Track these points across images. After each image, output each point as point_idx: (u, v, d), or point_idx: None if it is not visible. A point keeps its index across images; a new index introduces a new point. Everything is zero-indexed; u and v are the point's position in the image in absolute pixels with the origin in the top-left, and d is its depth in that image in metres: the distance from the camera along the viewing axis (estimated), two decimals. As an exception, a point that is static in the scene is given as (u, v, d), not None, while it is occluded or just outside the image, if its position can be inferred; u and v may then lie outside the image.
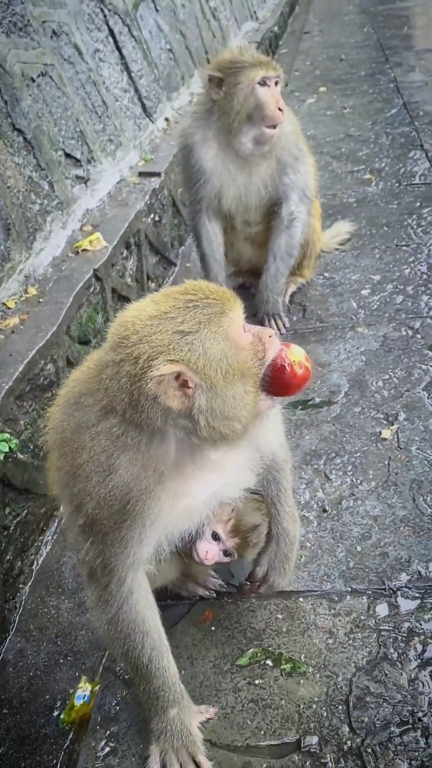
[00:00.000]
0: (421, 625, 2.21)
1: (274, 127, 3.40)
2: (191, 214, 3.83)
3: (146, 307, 1.68)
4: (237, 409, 1.66)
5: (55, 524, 3.36)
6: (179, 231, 5.91)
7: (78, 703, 2.53)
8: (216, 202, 3.64)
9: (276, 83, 3.40)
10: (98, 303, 4.23)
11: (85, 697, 2.53)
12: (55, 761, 2.43)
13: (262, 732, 2.01)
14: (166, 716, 1.97)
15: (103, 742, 2.07)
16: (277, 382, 1.75)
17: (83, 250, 4.36)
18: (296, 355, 1.77)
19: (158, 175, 5.58)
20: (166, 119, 6.70)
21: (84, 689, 2.56)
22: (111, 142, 5.46)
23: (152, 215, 5.35)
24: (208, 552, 2.17)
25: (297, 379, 1.77)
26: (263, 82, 3.35)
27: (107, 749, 2.04)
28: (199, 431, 1.65)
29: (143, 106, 6.31)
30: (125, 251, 4.76)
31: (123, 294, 4.46)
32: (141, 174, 5.62)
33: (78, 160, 4.85)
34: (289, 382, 1.76)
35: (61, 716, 2.56)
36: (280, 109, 3.36)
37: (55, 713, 2.59)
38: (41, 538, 3.29)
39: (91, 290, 4.12)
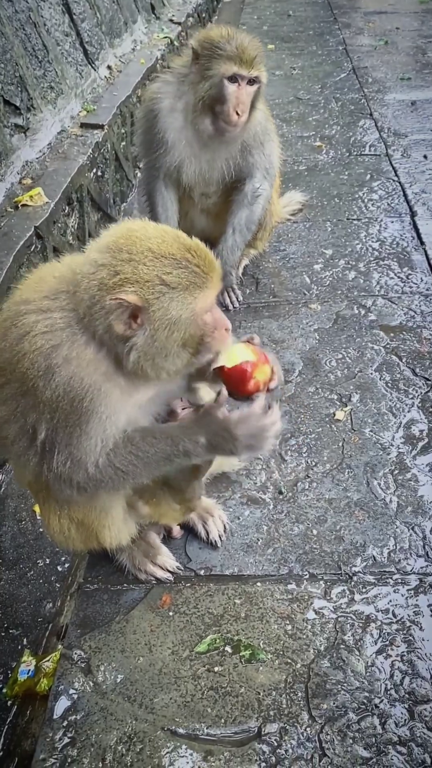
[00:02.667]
0: (377, 611, 2.25)
1: (230, 124, 3.24)
2: (147, 179, 3.67)
3: (153, 235, 1.77)
4: (166, 362, 1.83)
5: (-5, 494, 3.25)
6: (121, 186, 5.70)
7: (22, 677, 2.48)
8: (175, 174, 3.49)
9: (251, 82, 3.19)
10: (39, 263, 4.03)
11: (30, 672, 2.48)
12: (-2, 736, 2.39)
13: (223, 720, 2.02)
14: None
15: (61, 732, 2.02)
16: (233, 380, 1.92)
17: (23, 205, 4.13)
18: (261, 374, 1.94)
19: (101, 127, 5.33)
20: (109, 67, 6.38)
21: (28, 663, 2.51)
22: (52, 90, 5.15)
23: (95, 170, 5.12)
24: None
25: (248, 390, 1.95)
26: (234, 79, 3.16)
27: (66, 740, 1.99)
28: (127, 362, 1.79)
29: (85, 51, 5.98)
30: (67, 207, 4.55)
31: (64, 253, 4.27)
32: (83, 125, 5.34)
33: (17, 108, 4.56)
34: (240, 387, 1.95)
35: (4, 690, 2.51)
36: (238, 114, 3.17)
37: (-4, 687, 2.54)
38: (-20, 508, 3.17)
39: (32, 249, 3.92)
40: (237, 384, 1.92)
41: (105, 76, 6.21)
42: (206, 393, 2.25)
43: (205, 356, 1.89)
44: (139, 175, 5.99)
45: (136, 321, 1.74)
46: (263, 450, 1.95)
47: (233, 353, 1.94)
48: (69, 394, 1.79)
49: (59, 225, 4.34)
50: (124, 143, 5.81)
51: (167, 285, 1.73)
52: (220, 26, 3.30)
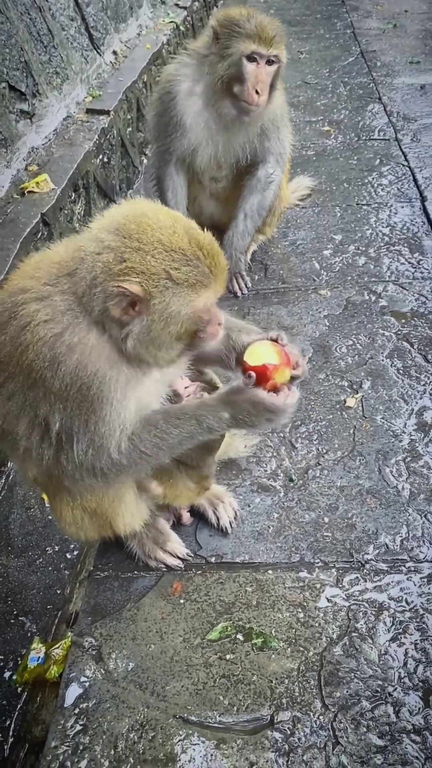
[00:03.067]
0: (389, 599, 2.23)
1: (251, 103, 3.19)
2: (158, 163, 3.62)
3: (165, 226, 1.73)
4: (160, 351, 1.83)
5: (3, 480, 3.24)
6: (127, 173, 5.66)
7: (32, 664, 2.49)
8: (189, 158, 3.45)
9: (270, 62, 3.14)
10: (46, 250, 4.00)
11: (39, 659, 2.48)
12: (8, 722, 2.41)
13: (235, 708, 2.00)
14: None
15: (72, 720, 2.01)
16: (258, 376, 1.92)
17: (29, 191, 4.10)
18: (281, 376, 1.92)
19: (107, 113, 5.28)
20: (114, 52, 6.32)
21: (38, 650, 2.51)
22: (57, 75, 5.11)
23: (101, 156, 5.08)
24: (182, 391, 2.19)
25: (265, 390, 1.94)
26: (252, 57, 3.10)
27: (78, 727, 1.99)
28: (125, 347, 1.79)
29: (90, 36, 5.92)
30: (73, 194, 4.52)
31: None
32: (89, 111, 5.30)
33: (23, 94, 4.51)
34: (257, 386, 1.94)
35: (14, 677, 2.51)
36: (257, 92, 3.12)
37: (7, 674, 2.54)
38: (-12, 496, 3.17)
39: (39, 236, 3.90)
40: (256, 382, 1.92)
41: (110, 62, 6.15)
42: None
43: (197, 348, 1.89)
44: (145, 161, 5.94)
45: (134, 308, 1.73)
46: (280, 424, 2.01)
47: (258, 351, 1.96)
48: (77, 383, 1.77)
49: (66, 212, 4.31)
50: (130, 129, 5.76)
51: (173, 280, 1.70)
52: (240, 6, 3.25)
